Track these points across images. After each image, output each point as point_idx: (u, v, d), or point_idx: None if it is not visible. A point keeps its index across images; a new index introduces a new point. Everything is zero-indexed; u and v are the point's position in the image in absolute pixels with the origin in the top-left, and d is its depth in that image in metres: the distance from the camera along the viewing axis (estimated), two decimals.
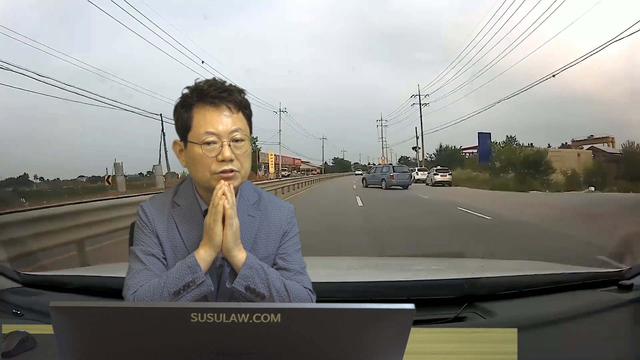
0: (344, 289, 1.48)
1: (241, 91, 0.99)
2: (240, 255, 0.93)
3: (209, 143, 0.95)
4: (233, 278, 0.93)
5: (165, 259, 0.99)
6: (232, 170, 0.95)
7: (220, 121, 0.95)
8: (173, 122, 1.01)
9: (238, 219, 0.95)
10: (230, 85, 0.98)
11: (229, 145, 0.95)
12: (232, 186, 0.95)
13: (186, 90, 0.98)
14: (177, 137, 1.01)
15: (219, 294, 0.98)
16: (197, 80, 0.98)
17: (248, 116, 1.00)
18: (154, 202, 1.03)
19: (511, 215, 8.89)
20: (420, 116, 28.52)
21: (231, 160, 0.95)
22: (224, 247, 0.93)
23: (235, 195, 0.99)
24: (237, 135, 0.96)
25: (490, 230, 7.05)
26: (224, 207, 0.93)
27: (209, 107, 0.96)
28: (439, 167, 24.03)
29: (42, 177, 24.31)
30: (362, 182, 22.52)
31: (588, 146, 24.80)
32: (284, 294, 0.94)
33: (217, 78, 0.99)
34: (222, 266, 0.98)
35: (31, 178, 23.65)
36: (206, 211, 0.98)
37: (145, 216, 1.00)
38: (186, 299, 0.90)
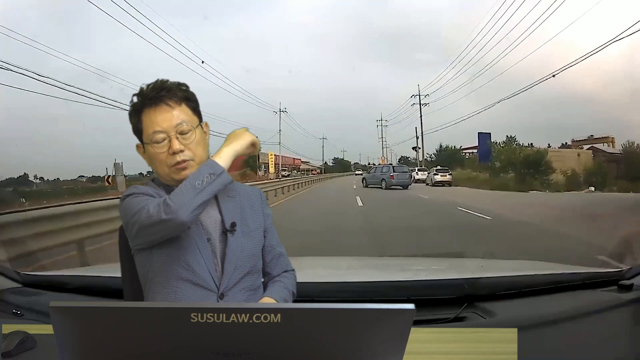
0: (344, 289, 1.48)
1: (181, 86, 1.05)
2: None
3: (158, 141, 1.02)
4: None
5: None
6: (184, 161, 1.01)
7: (163, 118, 1.02)
8: None
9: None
10: (171, 83, 1.04)
11: (177, 138, 1.01)
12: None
13: (133, 97, 1.04)
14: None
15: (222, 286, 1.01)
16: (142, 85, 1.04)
17: (193, 107, 1.06)
18: (141, 187, 1.07)
19: (511, 215, 8.89)
20: (420, 116, 28.57)
21: (182, 151, 1.01)
22: None
23: None
24: (183, 127, 1.02)
25: (490, 230, 7.05)
26: None
27: (151, 108, 1.02)
28: (439, 167, 24.03)
29: (42, 177, 24.35)
30: (362, 182, 22.51)
31: (588, 146, 24.81)
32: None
33: (159, 79, 1.04)
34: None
35: (31, 178, 23.69)
36: None
37: (139, 192, 1.04)
38: (207, 190, 0.93)
